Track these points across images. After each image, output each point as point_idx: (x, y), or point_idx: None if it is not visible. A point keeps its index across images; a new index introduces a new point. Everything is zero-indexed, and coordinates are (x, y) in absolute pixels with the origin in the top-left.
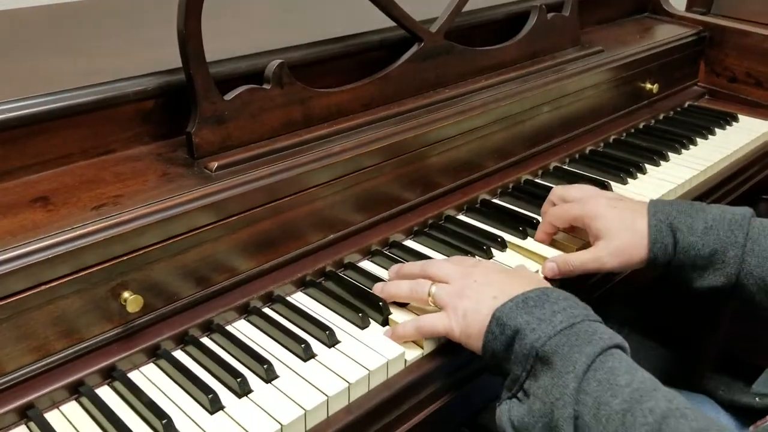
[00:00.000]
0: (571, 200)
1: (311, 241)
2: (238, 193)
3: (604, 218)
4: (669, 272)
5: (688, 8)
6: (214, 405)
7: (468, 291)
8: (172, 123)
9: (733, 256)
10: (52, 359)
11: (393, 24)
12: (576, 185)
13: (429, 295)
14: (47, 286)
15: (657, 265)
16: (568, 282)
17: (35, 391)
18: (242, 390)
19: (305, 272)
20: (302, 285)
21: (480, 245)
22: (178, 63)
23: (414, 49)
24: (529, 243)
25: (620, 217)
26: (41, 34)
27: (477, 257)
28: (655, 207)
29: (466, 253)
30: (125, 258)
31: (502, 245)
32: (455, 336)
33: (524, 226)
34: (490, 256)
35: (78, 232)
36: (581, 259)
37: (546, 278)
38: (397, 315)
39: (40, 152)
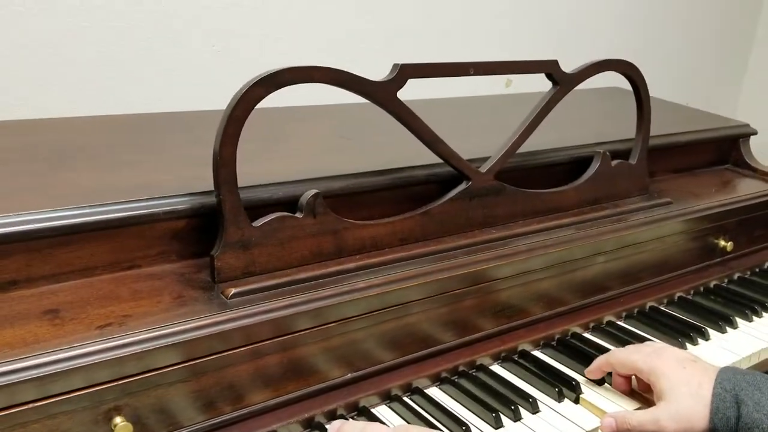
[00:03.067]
0: (641, 352)
1: (325, 379)
2: (246, 324)
3: (669, 378)
4: None
5: None
6: None
7: None
8: (201, 243)
9: None
10: None
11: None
12: (648, 342)
13: None
14: (36, 404)
15: None
16: None
17: None
18: None
19: (314, 413)
20: (309, 427)
21: (509, 403)
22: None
23: (460, 187)
24: (565, 408)
25: (687, 380)
26: (98, 143)
27: (502, 415)
28: (724, 374)
29: (491, 410)
30: (120, 382)
31: (534, 406)
32: None
33: (563, 388)
34: (518, 417)
35: (75, 352)
36: (639, 419)
37: None
38: None
39: (64, 263)
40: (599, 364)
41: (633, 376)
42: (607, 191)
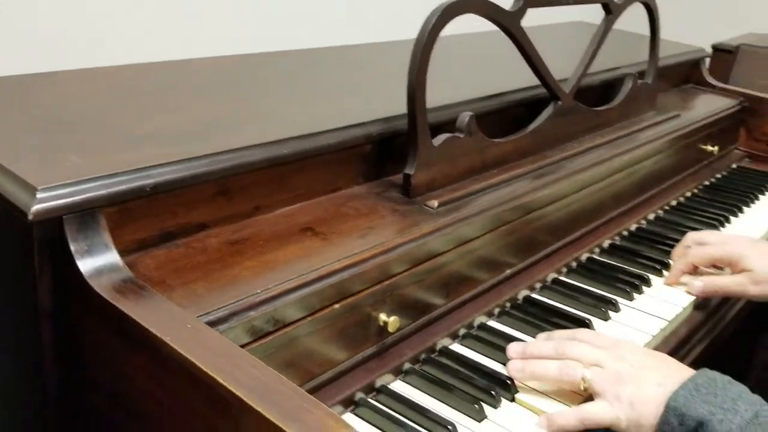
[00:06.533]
0: (710, 243)
1: (511, 265)
2: (461, 226)
3: (748, 256)
4: None
5: None
6: None
7: (626, 377)
8: (378, 165)
9: None
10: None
11: (527, 85)
12: (709, 231)
13: (583, 379)
14: (329, 309)
15: None
16: None
17: None
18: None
19: (517, 290)
20: (491, 315)
21: (626, 284)
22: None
23: (553, 107)
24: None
25: (762, 252)
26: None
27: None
28: None
29: (619, 288)
30: (387, 282)
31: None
32: (621, 427)
33: (659, 266)
34: (631, 298)
35: (355, 258)
36: (725, 282)
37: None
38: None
39: (293, 188)
40: (678, 272)
41: None
42: (634, 108)
